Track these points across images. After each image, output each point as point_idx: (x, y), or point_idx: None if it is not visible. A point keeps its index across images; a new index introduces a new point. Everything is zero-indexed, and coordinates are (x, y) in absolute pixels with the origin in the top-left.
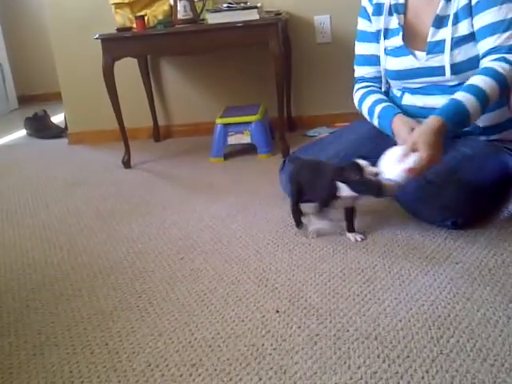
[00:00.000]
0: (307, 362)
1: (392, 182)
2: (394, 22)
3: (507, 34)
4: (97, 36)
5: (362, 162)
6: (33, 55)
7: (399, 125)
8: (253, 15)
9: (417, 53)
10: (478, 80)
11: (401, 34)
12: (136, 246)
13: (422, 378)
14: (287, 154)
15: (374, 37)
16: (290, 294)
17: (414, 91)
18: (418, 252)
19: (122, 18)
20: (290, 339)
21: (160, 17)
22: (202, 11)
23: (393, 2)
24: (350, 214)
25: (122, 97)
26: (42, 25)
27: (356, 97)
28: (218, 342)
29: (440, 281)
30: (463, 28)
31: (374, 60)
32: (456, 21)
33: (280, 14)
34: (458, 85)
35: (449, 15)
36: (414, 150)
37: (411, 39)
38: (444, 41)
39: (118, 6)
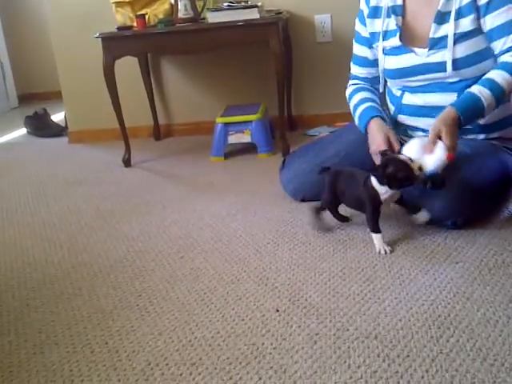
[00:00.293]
0: (307, 361)
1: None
2: (392, 24)
3: None
4: (97, 35)
5: (403, 157)
6: (33, 54)
7: (374, 129)
8: (253, 14)
9: (417, 50)
10: (494, 74)
11: (398, 34)
12: (136, 245)
13: (422, 377)
14: (287, 153)
15: (366, 41)
16: (290, 293)
17: (413, 90)
18: (418, 251)
19: (123, 16)
20: (290, 338)
21: (161, 16)
22: (202, 10)
23: (390, 4)
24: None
25: (122, 95)
26: (43, 23)
27: (347, 92)
28: (218, 341)
29: (440, 280)
30: (466, 24)
31: (364, 62)
32: (458, 16)
33: (280, 13)
34: (459, 82)
35: (450, 11)
36: (433, 141)
37: (409, 39)
38: (446, 37)
39: (118, 4)
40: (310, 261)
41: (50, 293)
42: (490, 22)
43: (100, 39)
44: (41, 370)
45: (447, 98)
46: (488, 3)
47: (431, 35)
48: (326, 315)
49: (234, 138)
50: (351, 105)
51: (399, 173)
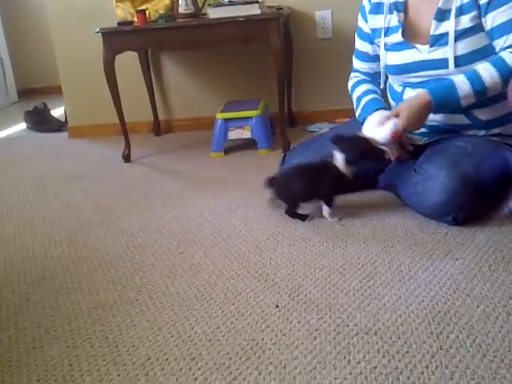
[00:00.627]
0: (307, 356)
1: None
2: (394, 20)
3: None
4: (98, 30)
5: (364, 135)
6: (33, 48)
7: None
8: (254, 10)
9: (419, 46)
10: (483, 69)
11: (400, 30)
12: (136, 240)
13: (422, 373)
14: (288, 149)
15: (367, 36)
16: (289, 289)
17: (415, 86)
18: (418, 248)
19: (123, 11)
20: (290, 334)
21: (161, 11)
22: (203, 5)
23: (392, 1)
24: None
25: (122, 91)
26: (43, 18)
27: (349, 83)
28: (218, 337)
29: (440, 277)
30: (467, 21)
31: (366, 57)
32: (459, 14)
33: (281, 8)
34: None
35: (451, 9)
36: (396, 115)
37: (411, 35)
38: (447, 34)
39: None
40: (310, 256)
41: (49, 287)
42: (491, 20)
43: (100, 34)
44: (40, 365)
45: None
46: (489, 2)
47: (432, 32)
48: (325, 311)
49: (234, 134)
50: (354, 96)
51: (373, 152)
